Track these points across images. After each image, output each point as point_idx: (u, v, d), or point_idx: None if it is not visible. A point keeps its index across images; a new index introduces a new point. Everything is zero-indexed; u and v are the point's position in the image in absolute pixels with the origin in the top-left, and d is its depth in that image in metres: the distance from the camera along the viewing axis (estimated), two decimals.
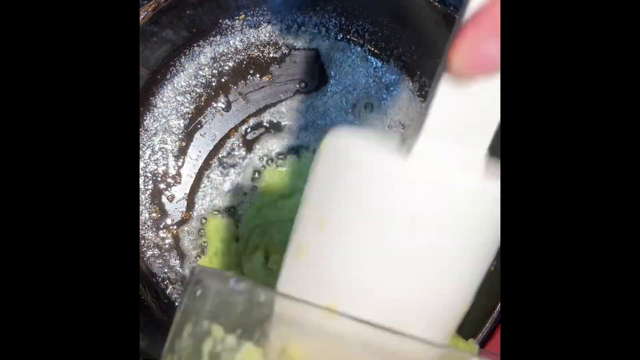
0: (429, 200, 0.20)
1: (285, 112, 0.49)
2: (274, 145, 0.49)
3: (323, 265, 0.23)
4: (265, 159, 0.48)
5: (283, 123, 0.49)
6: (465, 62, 0.18)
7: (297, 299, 0.23)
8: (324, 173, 0.23)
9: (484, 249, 0.23)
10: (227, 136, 0.49)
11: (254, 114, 0.49)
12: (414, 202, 0.20)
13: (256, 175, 0.48)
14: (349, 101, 0.49)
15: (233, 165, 0.48)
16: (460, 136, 0.20)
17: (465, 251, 0.22)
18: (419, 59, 0.49)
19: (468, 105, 0.20)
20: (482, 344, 0.40)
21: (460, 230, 0.21)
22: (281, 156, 0.49)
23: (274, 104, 0.49)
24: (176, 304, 0.46)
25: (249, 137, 0.49)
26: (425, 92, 0.49)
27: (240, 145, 0.49)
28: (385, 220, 0.21)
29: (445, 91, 0.20)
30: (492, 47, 0.18)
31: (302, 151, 0.49)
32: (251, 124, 0.49)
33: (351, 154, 0.21)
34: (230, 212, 0.47)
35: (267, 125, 0.49)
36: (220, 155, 0.48)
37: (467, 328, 0.42)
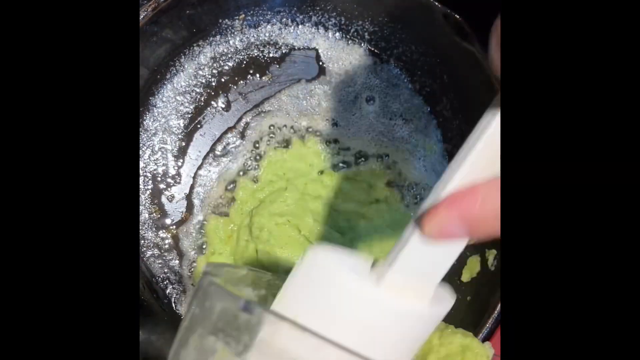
0: (387, 317, 0.26)
1: (285, 100, 0.50)
2: (279, 124, 0.49)
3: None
4: (264, 137, 0.49)
5: (284, 107, 0.49)
6: (434, 232, 0.24)
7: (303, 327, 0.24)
8: (303, 281, 0.28)
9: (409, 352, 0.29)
10: (225, 133, 0.49)
11: (252, 109, 0.49)
12: (375, 317, 0.26)
13: (257, 152, 0.48)
14: (350, 94, 0.50)
15: (225, 154, 0.48)
16: (418, 274, 0.26)
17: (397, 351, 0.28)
18: (418, 58, 0.49)
19: (428, 255, 0.26)
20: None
21: (400, 340, 0.27)
22: (285, 131, 0.49)
23: (273, 95, 0.49)
24: (174, 303, 0.46)
25: (247, 129, 0.49)
26: (425, 92, 0.50)
27: (237, 137, 0.49)
28: (349, 327, 0.26)
29: (414, 244, 0.25)
30: (456, 229, 0.24)
31: (307, 135, 0.49)
32: (249, 118, 0.49)
33: (330, 273, 0.26)
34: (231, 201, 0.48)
35: (266, 111, 0.49)
36: (216, 151, 0.48)
37: (467, 328, 0.42)
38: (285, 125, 0.49)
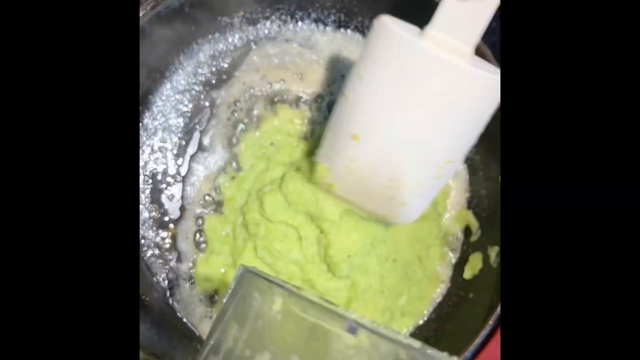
0: (431, 68, 0.33)
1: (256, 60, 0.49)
2: (248, 84, 0.49)
3: (358, 105, 0.36)
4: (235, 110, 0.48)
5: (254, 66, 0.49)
6: None
7: None
8: (369, 46, 0.35)
9: (470, 117, 0.35)
10: (209, 123, 0.48)
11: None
12: (422, 67, 0.33)
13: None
14: (338, 72, 0.50)
15: (207, 148, 0.48)
16: (456, 32, 0.33)
17: (455, 112, 0.34)
18: None
19: (464, 14, 0.32)
20: (483, 344, 0.39)
21: (451, 96, 0.33)
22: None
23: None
24: (173, 302, 0.46)
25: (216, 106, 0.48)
26: None
27: (214, 120, 0.48)
28: (403, 76, 0.33)
29: (449, 2, 0.32)
30: None
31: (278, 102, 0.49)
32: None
33: (392, 33, 0.33)
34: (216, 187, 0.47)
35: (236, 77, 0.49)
36: (202, 146, 0.48)
37: (470, 325, 0.42)
38: (252, 88, 0.48)
